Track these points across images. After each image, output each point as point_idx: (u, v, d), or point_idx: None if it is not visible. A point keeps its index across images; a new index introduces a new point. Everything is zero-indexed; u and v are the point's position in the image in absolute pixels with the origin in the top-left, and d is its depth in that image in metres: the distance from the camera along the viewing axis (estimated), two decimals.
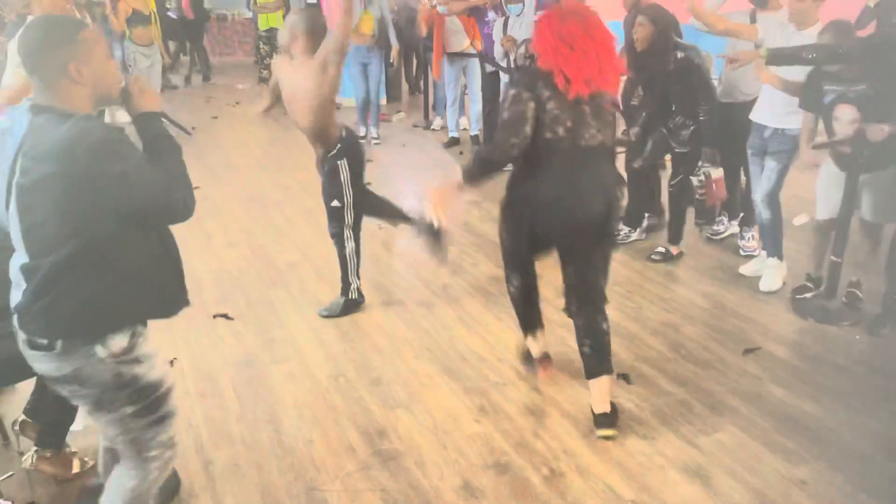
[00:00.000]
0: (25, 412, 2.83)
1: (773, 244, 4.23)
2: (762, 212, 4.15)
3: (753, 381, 3.34)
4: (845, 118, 3.57)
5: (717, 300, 4.14)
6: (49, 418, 2.72)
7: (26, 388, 2.90)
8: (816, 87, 3.67)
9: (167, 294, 2.05)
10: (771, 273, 4.22)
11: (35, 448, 2.71)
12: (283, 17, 9.47)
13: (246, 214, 5.52)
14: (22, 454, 2.77)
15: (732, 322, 3.88)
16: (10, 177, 1.85)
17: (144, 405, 2.01)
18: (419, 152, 7.37)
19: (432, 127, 8.28)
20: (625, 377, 3.36)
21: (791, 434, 2.95)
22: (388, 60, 7.90)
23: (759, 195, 4.14)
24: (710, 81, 4.37)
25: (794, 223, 4.36)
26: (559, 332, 3.78)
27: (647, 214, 5.01)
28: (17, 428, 2.83)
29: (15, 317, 1.94)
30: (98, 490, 2.46)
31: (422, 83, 9.73)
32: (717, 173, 5.04)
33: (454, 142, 7.50)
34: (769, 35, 4.04)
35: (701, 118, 4.30)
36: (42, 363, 1.94)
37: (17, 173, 1.81)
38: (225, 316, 3.95)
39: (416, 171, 6.77)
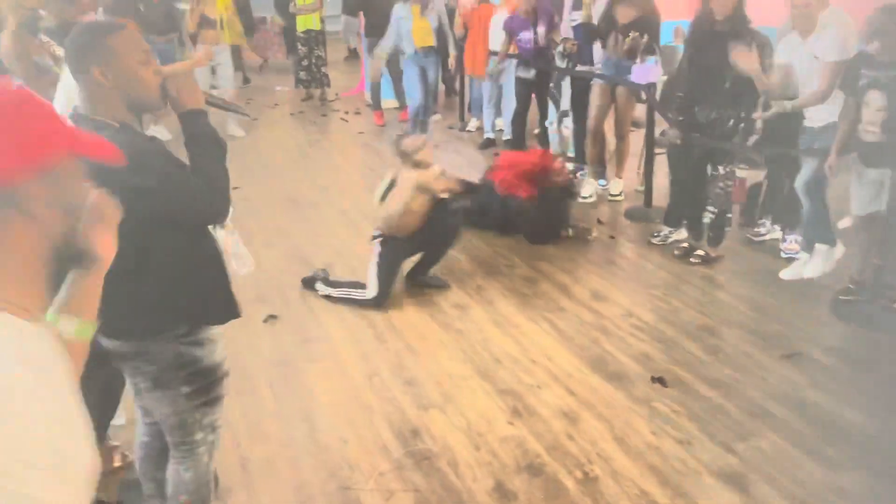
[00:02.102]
0: None
1: (815, 232, 4.18)
2: (802, 200, 4.13)
3: (793, 386, 3.27)
4: (874, 104, 3.56)
5: (757, 303, 4.06)
6: (91, 412, 2.79)
7: None
8: (855, 71, 3.68)
9: (215, 301, 2.09)
10: (815, 259, 4.19)
11: None
12: (321, 19, 9.55)
13: (283, 215, 5.59)
14: None
15: (772, 326, 3.81)
16: None
17: (200, 387, 2.05)
18: (454, 154, 7.37)
19: (468, 128, 8.27)
20: (661, 380, 3.32)
21: (832, 441, 2.89)
22: (445, 65, 7.90)
23: (800, 182, 4.11)
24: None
25: (838, 226, 4.28)
26: (593, 334, 3.76)
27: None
28: None
29: None
30: (137, 484, 2.52)
31: (457, 84, 9.72)
32: (744, 174, 4.99)
33: (489, 143, 7.47)
34: (787, 52, 4.11)
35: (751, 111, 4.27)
36: (108, 341, 1.99)
37: None
38: (272, 317, 3.97)
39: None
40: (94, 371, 2.75)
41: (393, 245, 4.17)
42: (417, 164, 4.18)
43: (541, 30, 6.31)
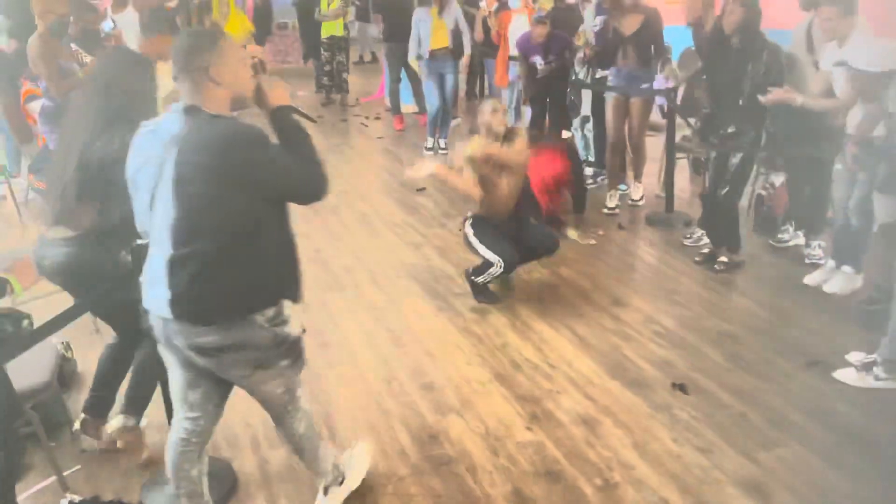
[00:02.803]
0: (85, 410, 2.92)
1: (851, 252, 4.12)
2: (851, 219, 4.01)
3: (817, 395, 3.23)
4: None
5: (780, 311, 4.01)
6: (137, 385, 2.87)
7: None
8: (885, 78, 3.57)
9: (297, 278, 2.30)
10: (838, 278, 4.14)
11: (122, 414, 2.84)
12: (344, 25, 9.59)
13: (302, 218, 5.60)
14: (85, 451, 2.88)
15: (795, 333, 3.76)
16: (157, 175, 2.07)
17: (295, 356, 2.33)
18: None
19: None
20: (681, 387, 3.29)
21: (856, 451, 2.84)
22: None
23: (852, 201, 4.00)
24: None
25: None
26: (613, 340, 3.74)
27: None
28: (77, 427, 2.92)
29: (168, 310, 2.12)
30: (159, 486, 2.54)
31: (477, 88, 9.74)
32: (780, 179, 4.92)
33: None
34: (828, 59, 4.04)
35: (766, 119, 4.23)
36: (206, 337, 2.14)
37: (173, 168, 2.03)
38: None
39: None
40: (133, 352, 2.82)
41: (482, 222, 4.19)
42: (489, 131, 4.12)
43: (551, 57, 6.23)
